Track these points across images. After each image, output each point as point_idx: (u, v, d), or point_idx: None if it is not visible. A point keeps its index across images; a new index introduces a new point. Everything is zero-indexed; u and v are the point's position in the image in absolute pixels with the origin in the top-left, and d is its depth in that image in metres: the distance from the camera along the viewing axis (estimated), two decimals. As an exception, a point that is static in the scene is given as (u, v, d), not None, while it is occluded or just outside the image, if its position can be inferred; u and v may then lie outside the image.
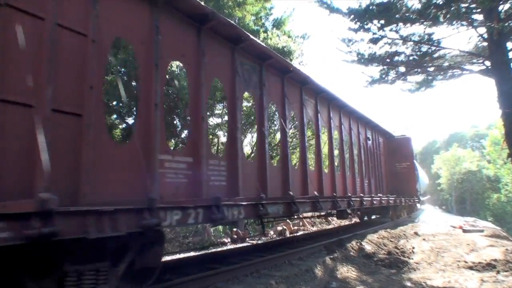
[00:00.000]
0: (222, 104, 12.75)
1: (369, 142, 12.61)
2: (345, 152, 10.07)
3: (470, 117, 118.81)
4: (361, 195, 10.43)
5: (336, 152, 9.95)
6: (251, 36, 5.78)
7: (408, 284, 5.51)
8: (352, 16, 11.24)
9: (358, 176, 11.05)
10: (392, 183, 15.27)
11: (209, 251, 8.08)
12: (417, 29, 11.34)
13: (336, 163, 9.76)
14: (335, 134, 9.70)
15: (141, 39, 4.10)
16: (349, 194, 9.34)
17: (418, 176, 19.37)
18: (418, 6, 10.38)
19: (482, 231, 11.66)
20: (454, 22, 10.51)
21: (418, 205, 28.41)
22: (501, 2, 9.79)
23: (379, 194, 12.60)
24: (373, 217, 15.93)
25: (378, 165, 13.55)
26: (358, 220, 15.90)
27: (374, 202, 11.18)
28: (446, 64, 12.04)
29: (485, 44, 10.90)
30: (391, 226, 12.46)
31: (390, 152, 15.67)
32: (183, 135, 11.74)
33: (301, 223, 13.66)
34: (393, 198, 13.34)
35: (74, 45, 3.31)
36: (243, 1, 13.35)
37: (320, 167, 8.43)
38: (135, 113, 10.01)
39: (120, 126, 11.70)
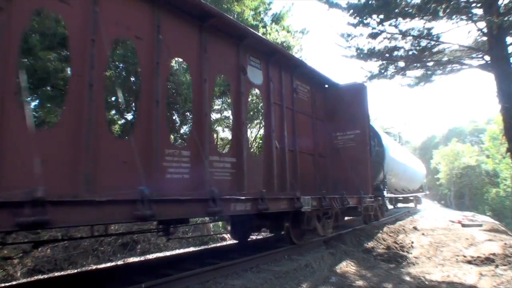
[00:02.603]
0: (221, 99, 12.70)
1: (248, 78, 6.30)
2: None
3: (469, 112, 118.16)
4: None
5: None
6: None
7: (407, 278, 5.54)
8: (351, 11, 11.18)
9: (202, 151, 5.09)
10: (329, 168, 9.00)
11: (209, 247, 8.11)
12: (417, 24, 11.31)
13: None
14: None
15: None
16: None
17: (385, 155, 12.19)
18: (418, 0, 10.32)
19: (480, 225, 11.70)
20: (454, 17, 10.45)
21: (409, 206, 19.80)
22: (500, -3, 9.75)
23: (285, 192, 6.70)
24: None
25: (284, 131, 7.23)
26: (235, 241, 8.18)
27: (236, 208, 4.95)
28: (445, 58, 11.98)
29: (485, 38, 10.85)
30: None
31: (326, 111, 9.26)
32: (181, 131, 11.70)
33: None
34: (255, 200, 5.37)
35: None
36: (242, -4, 13.26)
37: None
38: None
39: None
